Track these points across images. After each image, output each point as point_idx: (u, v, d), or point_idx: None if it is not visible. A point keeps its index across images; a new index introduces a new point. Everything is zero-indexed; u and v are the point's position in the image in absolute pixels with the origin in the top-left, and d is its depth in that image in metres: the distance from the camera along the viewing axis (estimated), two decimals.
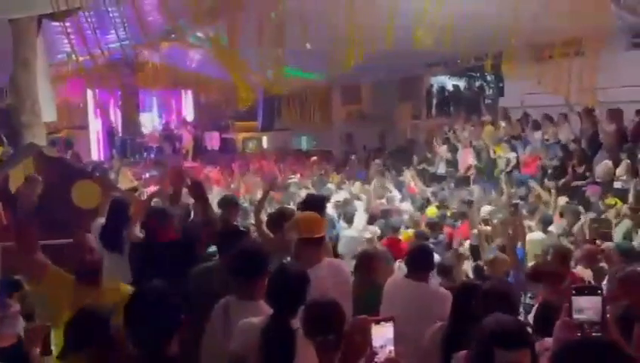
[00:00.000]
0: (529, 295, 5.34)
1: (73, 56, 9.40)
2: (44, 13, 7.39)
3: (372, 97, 19.04)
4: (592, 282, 4.32)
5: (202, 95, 18.68)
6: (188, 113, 20.25)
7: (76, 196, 6.16)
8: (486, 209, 8.08)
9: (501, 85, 15.52)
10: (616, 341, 1.75)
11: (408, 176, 10.84)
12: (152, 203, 5.08)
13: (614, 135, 10.05)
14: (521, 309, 4.82)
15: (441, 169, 12.96)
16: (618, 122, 10.17)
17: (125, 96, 17.39)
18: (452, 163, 12.75)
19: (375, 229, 7.18)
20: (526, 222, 7.13)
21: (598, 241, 6.12)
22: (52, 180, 6.31)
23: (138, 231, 4.42)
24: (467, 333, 2.09)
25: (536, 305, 3.81)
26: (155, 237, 4.13)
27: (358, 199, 8.99)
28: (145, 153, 17.75)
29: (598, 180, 9.52)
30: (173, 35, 11.42)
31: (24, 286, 4.01)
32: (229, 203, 5.62)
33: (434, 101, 18.18)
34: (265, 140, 19.82)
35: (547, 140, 11.28)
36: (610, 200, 8.18)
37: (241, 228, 4.57)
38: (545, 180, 10.26)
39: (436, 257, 4.77)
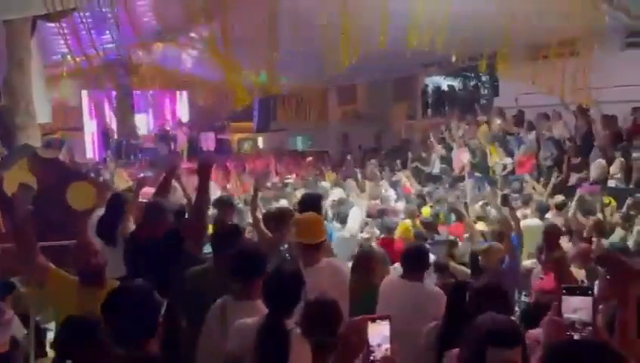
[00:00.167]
0: (523, 293, 5.37)
1: (69, 57, 9.39)
2: (39, 14, 7.38)
3: (368, 97, 19.05)
4: (585, 282, 4.32)
5: (197, 96, 18.64)
6: (183, 114, 20.22)
7: (71, 197, 6.16)
8: (478, 205, 8.10)
9: (496, 84, 15.56)
10: (607, 342, 1.76)
11: (403, 177, 10.82)
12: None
13: (608, 138, 10.08)
14: (516, 308, 4.85)
15: (436, 168, 12.96)
16: (612, 128, 10.21)
17: (120, 97, 17.38)
18: (447, 160, 12.74)
19: (374, 230, 7.17)
20: (522, 211, 7.14)
21: (593, 239, 6.12)
22: (47, 181, 6.29)
23: (132, 226, 4.47)
24: (461, 331, 2.11)
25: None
26: (149, 232, 4.04)
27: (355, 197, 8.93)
28: (140, 154, 17.68)
29: (592, 181, 9.53)
30: (169, 37, 11.40)
31: (18, 288, 4.00)
32: (224, 204, 5.63)
33: (429, 101, 18.22)
34: (260, 140, 19.80)
35: (542, 134, 11.27)
36: (605, 199, 8.19)
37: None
38: (542, 179, 10.26)
39: (432, 257, 4.78)
